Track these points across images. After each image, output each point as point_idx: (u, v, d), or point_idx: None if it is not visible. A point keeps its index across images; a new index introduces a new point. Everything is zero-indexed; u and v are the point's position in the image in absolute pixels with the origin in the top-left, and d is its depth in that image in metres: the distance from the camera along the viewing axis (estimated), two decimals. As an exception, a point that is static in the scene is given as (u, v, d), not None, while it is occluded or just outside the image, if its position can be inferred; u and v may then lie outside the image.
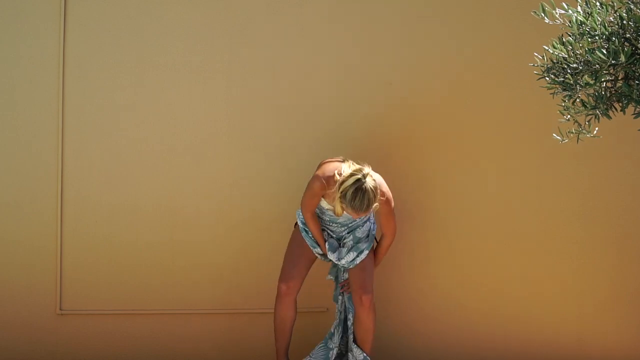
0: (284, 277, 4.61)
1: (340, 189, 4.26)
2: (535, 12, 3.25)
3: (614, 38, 3.05)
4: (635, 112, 3.13)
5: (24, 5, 4.80)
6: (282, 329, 4.63)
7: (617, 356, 5.07)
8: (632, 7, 3.04)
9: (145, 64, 4.87)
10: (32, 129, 4.83)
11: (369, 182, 4.23)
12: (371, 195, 4.24)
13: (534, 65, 3.38)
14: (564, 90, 3.22)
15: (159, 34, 4.87)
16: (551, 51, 3.22)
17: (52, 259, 4.86)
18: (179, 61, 4.89)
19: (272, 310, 4.83)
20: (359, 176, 4.23)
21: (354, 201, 4.22)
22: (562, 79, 3.22)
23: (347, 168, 4.31)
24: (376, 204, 4.29)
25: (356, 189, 4.22)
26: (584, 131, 3.34)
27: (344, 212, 4.35)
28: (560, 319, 5.05)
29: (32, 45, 4.81)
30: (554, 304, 5.05)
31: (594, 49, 3.05)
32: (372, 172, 4.30)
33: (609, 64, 3.01)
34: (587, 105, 3.19)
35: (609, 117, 3.19)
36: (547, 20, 3.24)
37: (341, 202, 4.28)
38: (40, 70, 4.82)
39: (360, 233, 4.57)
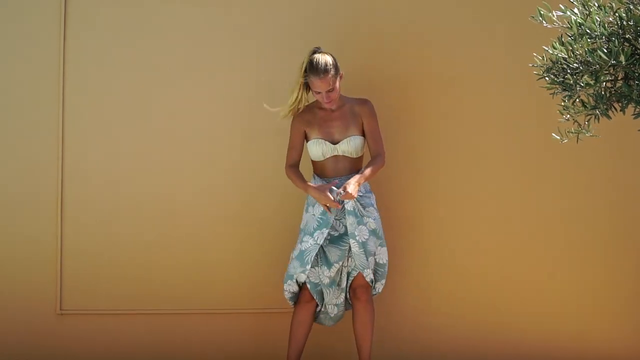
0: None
1: (302, 68, 4.43)
2: (532, 17, 3.26)
3: (613, 38, 3.05)
4: (635, 112, 3.13)
5: (24, 5, 4.81)
6: (297, 332, 4.56)
7: (618, 356, 5.07)
8: (631, 7, 3.04)
9: (145, 64, 4.88)
10: (32, 129, 4.84)
11: (324, 53, 4.46)
12: (329, 59, 4.43)
13: (533, 65, 3.39)
14: (564, 90, 3.22)
15: (159, 34, 4.88)
16: (551, 51, 3.22)
17: (52, 259, 4.86)
18: (179, 61, 4.89)
19: (273, 311, 4.85)
20: (314, 48, 4.49)
21: (313, 65, 4.39)
22: (562, 79, 3.22)
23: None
24: (340, 73, 4.45)
25: (313, 55, 4.44)
26: (583, 131, 3.35)
27: (309, 96, 4.51)
28: (560, 319, 5.05)
29: (32, 45, 4.82)
30: (554, 305, 5.04)
31: (594, 49, 3.05)
32: None
33: (609, 64, 3.01)
34: (587, 106, 3.19)
35: (609, 117, 3.19)
36: (545, 24, 3.24)
37: (304, 78, 4.44)
38: (40, 70, 4.83)
39: (373, 225, 4.52)
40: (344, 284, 4.55)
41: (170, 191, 4.92)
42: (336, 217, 4.52)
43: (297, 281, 4.52)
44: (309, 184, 4.51)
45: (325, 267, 4.49)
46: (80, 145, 4.87)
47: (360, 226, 4.47)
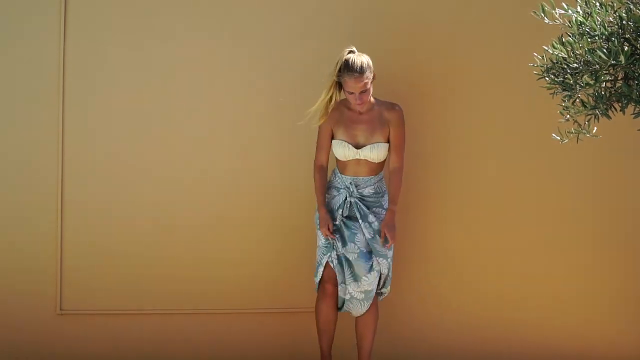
0: (328, 277, 4.54)
1: (336, 67, 4.41)
2: (534, 12, 3.26)
3: (613, 38, 3.05)
4: (635, 112, 3.13)
5: (24, 5, 4.80)
6: (326, 329, 4.58)
7: (620, 357, 5.07)
8: (631, 7, 3.04)
9: (145, 64, 4.88)
10: (32, 130, 4.84)
11: (361, 54, 4.46)
12: (365, 59, 4.42)
13: (534, 65, 3.39)
14: (564, 90, 3.22)
15: (159, 34, 4.88)
16: (551, 51, 3.22)
17: (52, 259, 4.86)
18: (179, 61, 4.89)
19: (274, 311, 4.85)
20: (350, 49, 4.47)
21: (349, 64, 4.39)
22: (562, 79, 3.22)
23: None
24: (373, 74, 4.44)
25: (349, 54, 4.44)
26: (583, 131, 3.35)
27: (339, 96, 4.51)
28: (564, 321, 5.05)
29: (32, 45, 4.82)
30: (557, 307, 5.04)
31: (594, 49, 3.05)
32: None
33: (609, 64, 3.01)
34: (587, 106, 3.19)
35: (609, 117, 3.19)
36: (547, 21, 3.24)
37: (337, 77, 4.42)
38: (40, 70, 4.83)
39: (377, 225, 4.51)
40: (367, 286, 4.49)
41: (171, 191, 4.91)
42: (344, 215, 4.52)
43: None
44: (322, 204, 4.55)
45: (340, 244, 4.49)
46: (80, 145, 4.87)
47: (365, 223, 4.48)
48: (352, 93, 4.43)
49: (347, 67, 4.39)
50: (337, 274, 4.51)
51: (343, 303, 4.59)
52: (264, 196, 4.93)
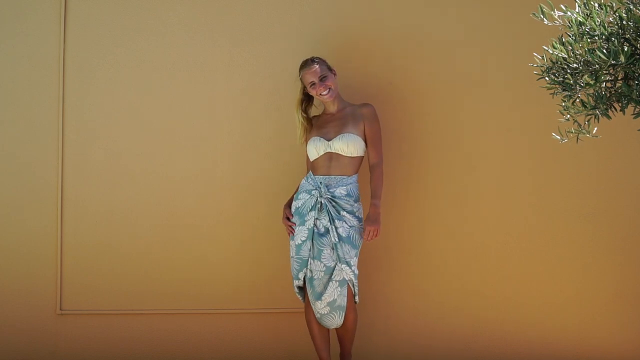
0: None
1: (297, 78, 4.62)
2: (534, 13, 3.26)
3: (613, 38, 3.05)
4: (635, 112, 3.13)
5: (24, 5, 4.81)
6: (322, 335, 4.55)
7: (619, 356, 5.07)
8: (631, 7, 3.04)
9: (145, 64, 4.88)
10: (32, 129, 4.84)
11: None
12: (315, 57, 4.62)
13: (533, 65, 3.39)
14: (564, 90, 3.22)
15: (159, 34, 4.88)
16: (551, 51, 3.22)
17: (52, 259, 4.87)
18: (179, 61, 4.90)
19: (273, 311, 4.85)
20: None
21: (301, 63, 4.58)
22: (562, 79, 3.22)
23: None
24: (332, 69, 4.59)
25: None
26: (583, 131, 3.35)
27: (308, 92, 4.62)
28: (561, 319, 5.05)
29: (32, 45, 4.82)
30: (555, 306, 5.04)
31: (594, 49, 3.05)
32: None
33: (609, 64, 3.01)
34: (587, 105, 3.19)
35: (609, 117, 3.19)
36: (546, 22, 3.24)
37: (302, 82, 4.58)
38: (40, 70, 4.83)
39: (343, 231, 4.45)
40: (328, 297, 4.45)
41: (170, 191, 4.92)
42: (316, 217, 4.49)
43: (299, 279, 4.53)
44: (286, 203, 4.63)
45: (316, 260, 4.46)
46: (80, 145, 4.87)
47: (332, 226, 4.44)
48: (314, 83, 4.52)
49: (300, 66, 4.56)
50: (307, 291, 4.49)
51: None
52: (263, 197, 4.93)
